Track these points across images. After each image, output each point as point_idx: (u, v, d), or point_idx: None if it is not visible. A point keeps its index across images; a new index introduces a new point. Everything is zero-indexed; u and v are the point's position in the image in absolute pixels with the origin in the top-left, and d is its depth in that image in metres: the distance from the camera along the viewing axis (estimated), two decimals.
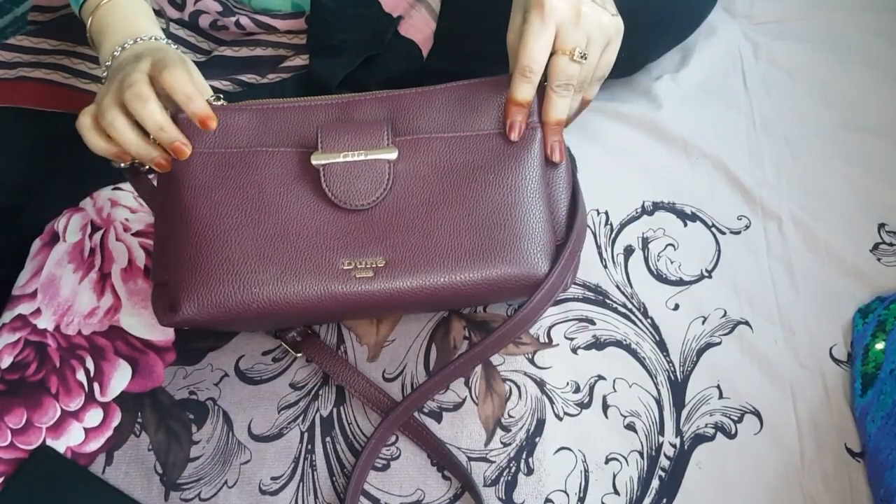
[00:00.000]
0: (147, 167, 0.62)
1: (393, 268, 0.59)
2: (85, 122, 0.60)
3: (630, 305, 0.67)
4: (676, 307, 0.67)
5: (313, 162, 0.60)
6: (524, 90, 0.60)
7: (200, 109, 0.60)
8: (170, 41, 0.65)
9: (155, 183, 0.65)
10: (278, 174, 0.61)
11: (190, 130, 0.61)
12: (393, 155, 0.60)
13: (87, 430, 0.64)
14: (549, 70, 0.60)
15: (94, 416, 0.65)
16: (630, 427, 0.63)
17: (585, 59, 0.60)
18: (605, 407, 0.63)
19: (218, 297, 0.58)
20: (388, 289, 0.58)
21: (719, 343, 0.66)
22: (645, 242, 0.70)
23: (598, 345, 0.66)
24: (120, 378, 0.66)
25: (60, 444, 0.64)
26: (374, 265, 0.59)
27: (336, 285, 0.58)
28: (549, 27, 0.58)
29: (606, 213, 0.72)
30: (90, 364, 0.67)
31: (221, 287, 0.58)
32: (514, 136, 0.61)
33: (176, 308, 0.58)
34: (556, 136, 0.62)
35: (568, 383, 0.64)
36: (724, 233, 0.71)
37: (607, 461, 0.61)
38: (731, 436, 0.62)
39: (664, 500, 0.60)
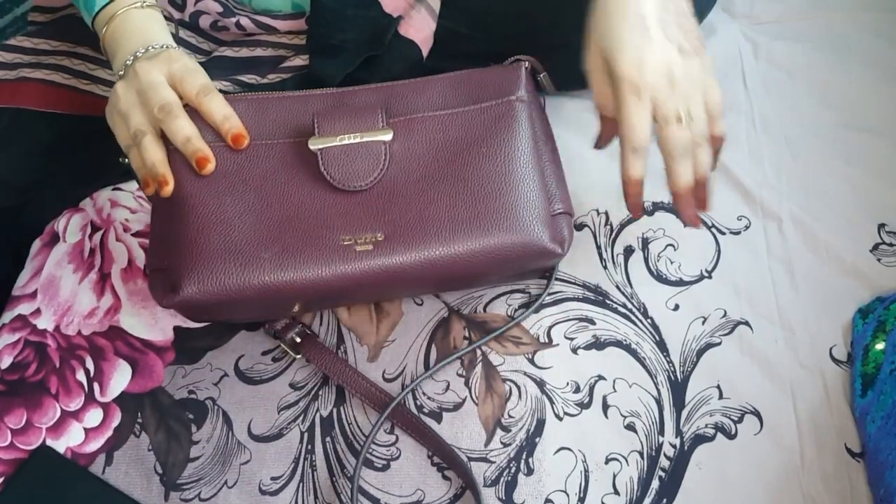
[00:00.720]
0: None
1: (392, 241, 0.60)
2: (134, 161, 0.63)
3: (630, 306, 0.67)
4: (676, 307, 0.67)
5: (311, 146, 0.61)
6: (635, 167, 0.58)
7: (236, 128, 0.62)
8: (179, 46, 0.66)
9: None
10: (279, 164, 0.62)
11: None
12: (388, 136, 0.62)
13: (86, 431, 0.64)
14: (660, 142, 0.57)
15: (93, 417, 0.65)
16: (630, 427, 0.63)
17: (692, 118, 0.57)
18: (605, 407, 0.63)
19: (219, 277, 0.58)
20: (388, 262, 0.59)
21: (719, 343, 0.66)
22: (645, 243, 0.70)
23: (598, 345, 0.66)
24: (120, 378, 0.66)
25: (60, 445, 0.64)
26: (373, 239, 0.60)
27: (336, 260, 0.59)
28: (645, 103, 0.56)
29: (606, 213, 0.72)
30: (90, 364, 0.67)
31: (223, 266, 0.59)
32: (635, 215, 0.63)
33: (177, 288, 0.59)
34: (689, 207, 0.58)
35: (568, 383, 0.64)
36: (723, 233, 0.71)
37: (607, 461, 0.61)
38: (731, 436, 0.62)
39: (664, 501, 0.60)
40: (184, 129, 0.61)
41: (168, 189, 0.61)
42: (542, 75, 0.68)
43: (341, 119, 0.62)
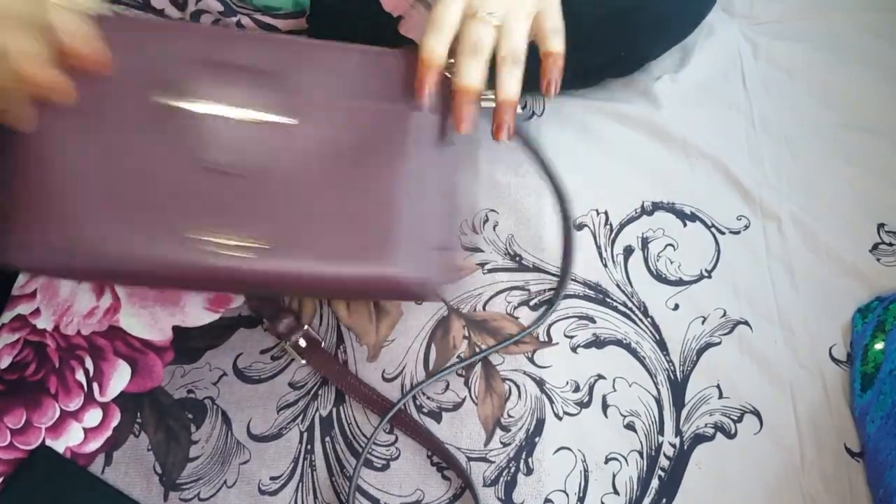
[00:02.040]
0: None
1: (256, 246, 0.52)
2: None
3: (630, 304, 0.67)
4: (676, 307, 0.67)
5: (181, 106, 0.52)
6: (430, 39, 0.54)
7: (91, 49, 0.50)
8: None
9: None
10: (140, 118, 0.52)
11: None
12: (277, 118, 0.53)
13: (86, 431, 0.64)
14: (458, 39, 0.54)
15: (93, 417, 0.65)
16: (630, 427, 0.63)
17: (493, 15, 0.53)
18: (605, 406, 0.63)
19: (49, 243, 0.51)
20: (237, 265, 0.52)
21: (719, 343, 0.66)
22: (644, 242, 0.70)
23: (597, 343, 0.66)
24: (119, 378, 0.66)
25: (60, 445, 0.64)
26: (234, 241, 0.52)
27: (182, 254, 0.51)
28: None
29: (606, 213, 0.72)
30: (89, 364, 0.67)
31: (56, 229, 0.51)
32: (421, 99, 0.54)
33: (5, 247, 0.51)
34: (467, 106, 0.53)
35: (567, 382, 0.64)
36: (723, 233, 0.71)
37: (607, 461, 0.61)
38: (730, 436, 0.62)
39: (664, 500, 0.60)
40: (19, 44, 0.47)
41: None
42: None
43: (225, 85, 0.52)
